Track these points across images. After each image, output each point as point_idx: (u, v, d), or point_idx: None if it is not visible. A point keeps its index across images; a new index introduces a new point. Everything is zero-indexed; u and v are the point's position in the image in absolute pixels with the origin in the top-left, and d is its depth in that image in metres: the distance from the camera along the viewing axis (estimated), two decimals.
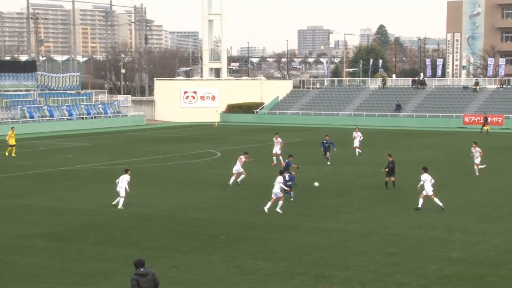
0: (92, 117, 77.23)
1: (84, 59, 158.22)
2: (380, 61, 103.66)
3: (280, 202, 26.80)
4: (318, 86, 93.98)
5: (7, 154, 46.76)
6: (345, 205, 28.49)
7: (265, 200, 29.56)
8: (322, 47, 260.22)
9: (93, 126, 74.12)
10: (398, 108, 79.89)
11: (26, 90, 78.38)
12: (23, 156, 47.09)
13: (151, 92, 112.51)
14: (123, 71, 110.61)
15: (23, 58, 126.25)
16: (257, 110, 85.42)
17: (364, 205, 28.38)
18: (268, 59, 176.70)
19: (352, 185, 33.48)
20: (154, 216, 26.08)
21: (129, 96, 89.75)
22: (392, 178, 32.04)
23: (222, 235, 22.85)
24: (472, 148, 36.92)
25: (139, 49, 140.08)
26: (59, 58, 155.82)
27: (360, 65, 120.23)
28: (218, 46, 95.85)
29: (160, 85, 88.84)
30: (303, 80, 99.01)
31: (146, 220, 25.34)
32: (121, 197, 28.12)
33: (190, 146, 53.90)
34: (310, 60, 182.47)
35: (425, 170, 27.39)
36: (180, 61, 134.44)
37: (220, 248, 21.18)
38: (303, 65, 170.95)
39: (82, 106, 77.13)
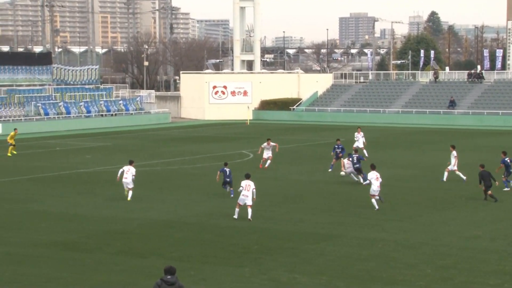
0: (112, 115, 77.89)
1: (104, 50, 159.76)
2: (432, 52, 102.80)
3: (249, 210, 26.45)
4: (361, 80, 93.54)
5: (9, 154, 47.86)
6: (389, 212, 28.29)
7: (301, 207, 29.50)
8: (367, 37, 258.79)
9: (113, 124, 74.76)
10: (452, 104, 79.13)
11: (40, 85, 79.37)
12: (37, 157, 47.70)
13: (176, 87, 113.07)
14: (146, 63, 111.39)
15: (38, 49, 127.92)
16: (294, 107, 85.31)
17: (411, 212, 28.15)
18: (306, 50, 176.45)
19: (395, 190, 33.25)
20: (178, 224, 26.19)
21: (153, 91, 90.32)
22: (489, 192, 30.12)
23: (255, 245, 22.86)
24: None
25: (163, 39, 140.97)
26: (76, 49, 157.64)
27: (409, 57, 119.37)
28: (250, 36, 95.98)
29: (186, 79, 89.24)
30: (345, 74, 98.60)
31: (170, 228, 25.47)
32: (130, 189, 30.08)
33: (219, 146, 54.04)
34: (353, 51, 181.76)
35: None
36: (208, 52, 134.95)
37: (253, 260, 21.18)
38: (345, 56, 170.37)
39: (101, 102, 77.84)
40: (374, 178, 28.46)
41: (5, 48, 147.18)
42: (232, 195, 31.09)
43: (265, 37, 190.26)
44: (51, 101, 74.09)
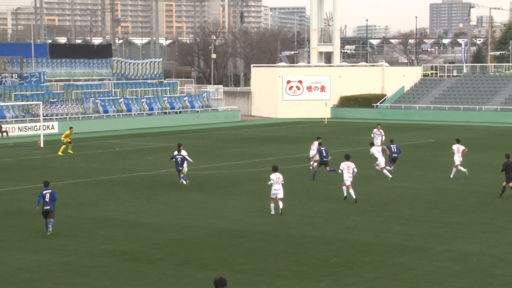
0: (176, 112, 78.75)
1: (168, 42, 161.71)
2: None
3: None
4: (454, 73, 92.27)
5: (60, 153, 49.27)
6: (486, 222, 27.79)
7: (385, 215, 29.23)
8: (461, 25, 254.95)
9: (177, 123, 75.58)
10: None
11: (99, 80, 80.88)
12: (95, 158, 48.55)
13: (247, 82, 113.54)
14: (213, 56, 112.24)
15: (97, 41, 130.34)
16: (377, 104, 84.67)
17: (511, 223, 27.61)
18: (392, 41, 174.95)
19: (491, 197, 32.63)
20: (248, 233, 26.26)
21: (221, 86, 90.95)
22: (510, 184, 32.16)
23: (333, 258, 22.75)
24: None
25: (233, 29, 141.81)
26: (139, 41, 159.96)
27: (510, 48, 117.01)
28: (329, 25, 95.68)
29: (258, 73, 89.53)
30: (436, 66, 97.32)
31: (239, 238, 25.55)
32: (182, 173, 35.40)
33: (293, 147, 54.00)
34: (445, 41, 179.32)
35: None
36: (282, 43, 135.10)
37: (331, 274, 21.08)
38: (436, 47, 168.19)
39: (165, 98, 78.76)
40: (345, 168, 31.74)
41: (62, 40, 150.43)
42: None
43: (345, 26, 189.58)
44: (111, 98, 75.34)
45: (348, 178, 31.70)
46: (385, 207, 31.04)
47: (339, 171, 32.22)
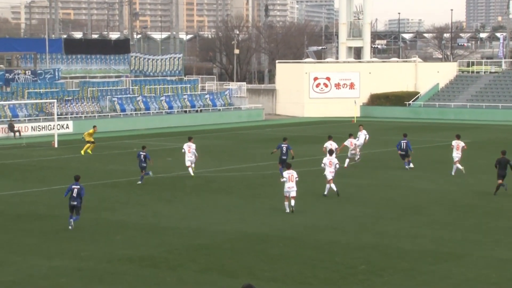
0: (197, 111, 78.91)
1: (189, 36, 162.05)
2: None
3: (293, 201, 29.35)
4: (493, 70, 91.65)
5: (83, 153, 49.75)
6: None
7: (419, 219, 29.13)
8: (500, 18, 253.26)
9: (198, 122, 75.73)
10: None
11: (116, 77, 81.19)
12: (112, 159, 48.75)
13: (271, 79, 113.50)
14: (236, 51, 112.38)
15: (114, 36, 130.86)
16: (410, 102, 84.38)
17: None
18: (426, 35, 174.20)
19: None
20: (273, 238, 26.27)
21: (244, 83, 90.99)
22: (500, 181, 34.12)
23: (362, 265, 22.71)
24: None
25: (257, 23, 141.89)
26: (158, 36, 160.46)
27: None
28: (359, 19, 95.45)
29: (283, 69, 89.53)
30: (473, 62, 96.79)
31: (264, 243, 25.57)
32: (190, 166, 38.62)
33: (320, 148, 53.94)
34: (483, 35, 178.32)
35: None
36: (309, 38, 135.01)
37: (360, 282, 21.04)
38: (473, 42, 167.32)
39: (185, 96, 78.96)
40: (327, 164, 33.67)
41: (78, 35, 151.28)
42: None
43: (376, 20, 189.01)
44: (128, 95, 75.61)
45: (329, 174, 33.41)
46: (418, 211, 30.94)
47: (322, 165, 33.91)
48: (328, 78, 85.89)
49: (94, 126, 52.27)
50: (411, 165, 42.30)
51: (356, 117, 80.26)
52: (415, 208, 31.49)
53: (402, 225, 28.27)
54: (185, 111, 78.09)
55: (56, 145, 55.43)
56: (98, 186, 37.89)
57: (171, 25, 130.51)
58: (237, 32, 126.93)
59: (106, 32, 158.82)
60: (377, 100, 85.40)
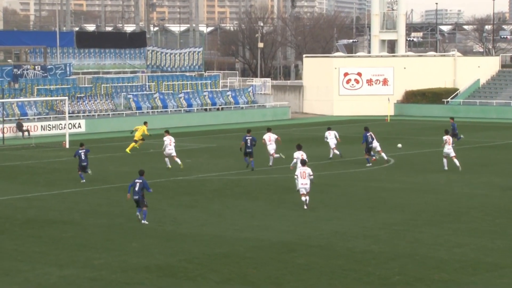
0: (218, 109, 78.98)
1: (209, 29, 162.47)
2: None
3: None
4: None
5: (129, 150, 51.09)
6: None
7: (459, 227, 28.98)
8: None
9: (219, 121, 75.77)
10: None
11: (132, 72, 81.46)
12: (127, 160, 48.86)
13: (298, 74, 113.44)
14: (261, 45, 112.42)
15: (129, 28, 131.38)
16: (448, 99, 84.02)
17: None
18: (465, 27, 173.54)
19: None
20: (300, 246, 26.20)
21: (269, 79, 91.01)
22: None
23: (396, 276, 22.61)
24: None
25: (283, 14, 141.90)
26: (176, 28, 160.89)
27: None
28: (393, 10, 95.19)
29: (311, 64, 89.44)
30: None
31: (290, 252, 25.50)
32: (176, 156, 42.06)
33: (349, 149, 53.82)
34: None
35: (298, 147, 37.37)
36: (339, 31, 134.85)
37: None
38: None
39: (205, 93, 79.07)
40: (299, 158, 35.81)
41: (91, 27, 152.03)
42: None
43: (412, 11, 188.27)
44: (145, 92, 75.83)
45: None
46: (458, 217, 30.77)
47: (294, 161, 36.02)
48: (359, 74, 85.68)
49: (145, 122, 52.88)
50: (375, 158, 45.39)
51: (390, 115, 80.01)
52: (454, 214, 31.31)
53: (440, 232, 28.10)
54: (205, 109, 78.17)
55: (67, 146, 55.63)
56: (111, 190, 37.97)
57: (191, 17, 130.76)
58: (261, 24, 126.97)
59: (121, 25, 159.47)
60: (412, 97, 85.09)
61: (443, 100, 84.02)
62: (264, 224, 29.77)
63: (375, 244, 26.44)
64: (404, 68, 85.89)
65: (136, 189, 29.62)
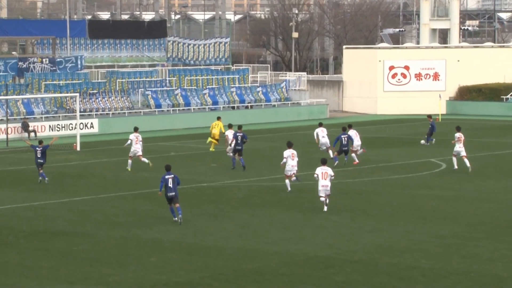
0: (247, 107, 79.00)
1: (237, 17, 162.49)
2: None
3: None
4: None
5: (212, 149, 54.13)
6: None
7: None
8: None
9: (248, 120, 75.61)
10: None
11: (150, 66, 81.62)
12: (144, 165, 48.98)
13: (337, 68, 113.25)
14: (295, 35, 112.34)
15: (148, 17, 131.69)
16: (508, 96, 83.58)
17: None
18: None
19: None
20: (339, 261, 26.20)
21: (304, 74, 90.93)
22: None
23: None
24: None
25: (320, 0, 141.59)
26: (200, 16, 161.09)
27: None
28: None
29: (352, 56, 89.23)
30: None
31: (327, 268, 25.52)
32: (141, 155, 45.45)
33: (397, 152, 53.72)
34: None
35: None
36: (384, 19, 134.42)
37: None
38: None
39: (233, 89, 79.12)
40: (290, 157, 37.92)
41: (105, 15, 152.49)
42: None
43: None
44: (165, 88, 75.98)
45: (290, 169, 37.58)
46: None
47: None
48: (406, 67, 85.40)
49: (219, 117, 54.93)
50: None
51: (441, 114, 79.71)
52: None
53: (497, 246, 28.01)
54: (233, 107, 78.24)
55: (78, 148, 55.91)
56: (128, 197, 38.14)
57: (216, 3, 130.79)
58: (296, 12, 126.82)
59: (139, 12, 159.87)
60: (467, 93, 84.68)
61: (501, 96, 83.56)
62: (298, 236, 29.79)
63: (424, 259, 26.38)
64: (458, 60, 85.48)
65: (171, 185, 31.46)
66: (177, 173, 42.22)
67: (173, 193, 31.77)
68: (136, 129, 47.74)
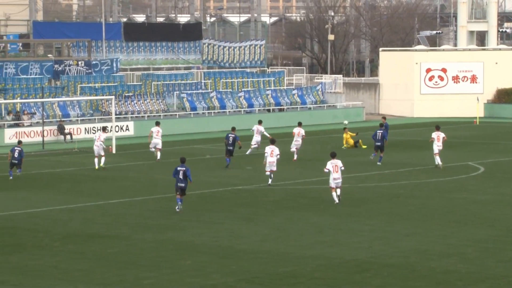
0: (282, 109, 78.95)
1: (273, 19, 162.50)
2: None
3: None
4: None
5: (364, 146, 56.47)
6: None
7: None
8: None
9: (284, 123, 75.44)
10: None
11: (186, 68, 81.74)
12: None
13: (374, 71, 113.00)
14: (331, 37, 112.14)
15: (183, 19, 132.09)
16: None
17: None
18: None
19: None
20: (375, 265, 26.12)
21: (340, 76, 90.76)
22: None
23: None
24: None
25: (357, 2, 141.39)
26: (236, 19, 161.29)
27: None
28: None
29: (388, 58, 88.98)
30: None
31: (364, 271, 25.44)
32: (103, 155, 46.92)
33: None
34: None
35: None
36: (421, 21, 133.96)
37: None
38: None
39: (268, 92, 79.10)
40: (269, 153, 40.00)
41: (140, 18, 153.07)
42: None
43: None
44: (200, 91, 76.11)
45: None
46: None
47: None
48: (444, 70, 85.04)
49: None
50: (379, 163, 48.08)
51: (479, 117, 79.31)
52: None
53: None
54: (268, 110, 78.19)
55: (113, 151, 56.05)
56: (162, 200, 38.21)
57: (252, 6, 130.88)
58: (332, 14, 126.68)
59: (174, 15, 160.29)
60: (505, 96, 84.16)
61: None
62: (334, 239, 29.72)
63: (461, 263, 26.24)
64: (496, 63, 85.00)
65: (181, 176, 33.34)
66: (212, 175, 42.38)
67: (183, 184, 33.90)
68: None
